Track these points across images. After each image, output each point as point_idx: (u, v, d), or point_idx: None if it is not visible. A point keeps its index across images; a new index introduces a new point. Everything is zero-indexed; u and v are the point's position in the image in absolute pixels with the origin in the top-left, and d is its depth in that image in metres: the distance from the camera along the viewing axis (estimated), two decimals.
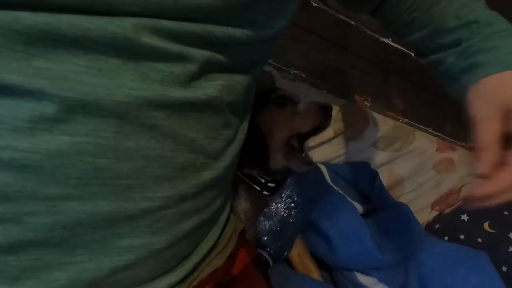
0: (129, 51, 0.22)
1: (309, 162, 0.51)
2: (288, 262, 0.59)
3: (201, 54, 0.25)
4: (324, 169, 0.79)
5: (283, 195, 0.54)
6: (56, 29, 0.20)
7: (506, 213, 0.88)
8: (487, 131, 0.31)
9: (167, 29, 0.23)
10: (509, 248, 0.79)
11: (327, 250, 0.57)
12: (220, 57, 0.27)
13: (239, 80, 0.30)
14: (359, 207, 0.76)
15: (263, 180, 0.53)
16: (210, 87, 0.27)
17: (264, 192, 0.53)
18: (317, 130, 0.52)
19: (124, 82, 0.22)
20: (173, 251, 0.29)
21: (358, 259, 0.54)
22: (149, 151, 0.24)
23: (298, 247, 0.59)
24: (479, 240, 0.83)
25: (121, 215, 0.24)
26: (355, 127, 0.84)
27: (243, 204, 0.51)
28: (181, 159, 0.26)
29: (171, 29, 0.23)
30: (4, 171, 0.20)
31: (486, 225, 0.86)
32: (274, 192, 0.55)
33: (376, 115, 0.88)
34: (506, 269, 0.76)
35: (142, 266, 0.26)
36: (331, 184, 0.74)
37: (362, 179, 0.84)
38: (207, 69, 0.26)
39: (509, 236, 0.82)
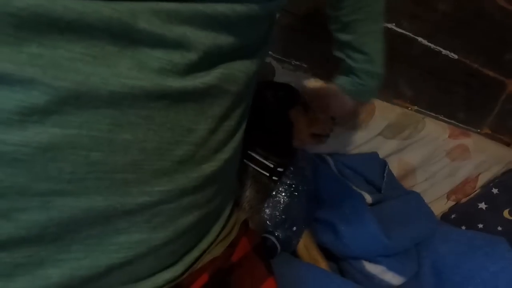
0: (125, 37, 0.21)
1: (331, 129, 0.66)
2: (294, 254, 0.57)
3: (201, 42, 0.24)
4: (330, 161, 0.77)
5: (284, 183, 0.53)
6: (50, 12, 0.19)
7: None
8: None
9: (166, 10, 0.22)
10: None
11: (333, 238, 0.55)
12: (221, 41, 0.26)
13: (240, 67, 0.29)
14: (368, 198, 0.73)
15: (272, 166, 0.52)
16: (209, 75, 0.26)
17: (273, 178, 0.53)
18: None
19: (120, 71, 0.21)
20: (173, 247, 0.28)
21: (365, 245, 0.52)
22: (146, 144, 0.23)
23: (304, 238, 0.58)
24: (499, 228, 0.80)
25: (118, 210, 0.23)
26: (360, 117, 0.82)
27: (247, 192, 0.51)
28: (180, 152, 0.25)
29: (170, 10, 0.22)
30: None
31: (506, 213, 0.82)
32: (281, 177, 0.54)
33: (381, 103, 0.85)
34: None
35: (141, 262, 0.26)
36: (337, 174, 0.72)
37: (371, 169, 0.82)
38: (207, 58, 0.25)
39: None
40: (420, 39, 0.89)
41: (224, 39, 0.26)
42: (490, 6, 0.89)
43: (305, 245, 0.57)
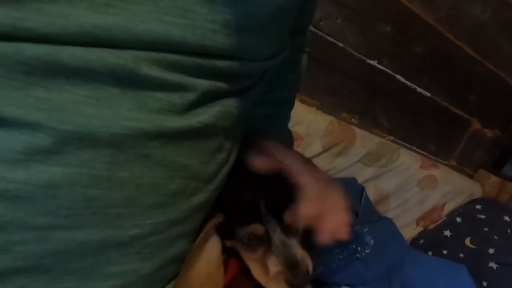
0: (128, 80, 0.22)
1: None
2: None
3: (201, 83, 0.25)
4: None
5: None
6: (57, 59, 0.20)
7: (486, 229, 0.91)
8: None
9: (168, 60, 0.23)
10: (489, 263, 0.82)
11: (315, 264, 0.58)
12: (220, 85, 0.26)
13: (237, 105, 0.30)
14: None
15: None
16: (206, 114, 0.26)
17: None
18: None
19: (121, 112, 0.22)
20: (161, 274, 0.29)
21: (346, 276, 0.56)
22: (142, 180, 0.24)
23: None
24: (461, 255, 0.86)
25: (111, 242, 0.24)
26: (342, 143, 0.87)
27: None
28: (173, 186, 0.26)
29: (172, 60, 0.23)
30: None
31: (467, 241, 0.89)
32: None
33: (362, 132, 0.91)
34: (487, 284, 0.79)
35: None
36: None
37: (350, 193, 0.86)
38: (205, 97, 0.26)
39: (489, 252, 0.85)
40: (398, 76, 0.97)
41: (222, 84, 0.27)
42: (460, 53, 1.00)
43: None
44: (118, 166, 0.23)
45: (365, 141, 0.90)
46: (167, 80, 0.23)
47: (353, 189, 0.86)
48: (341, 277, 0.57)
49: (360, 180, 0.92)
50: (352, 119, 0.97)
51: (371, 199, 0.92)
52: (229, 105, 0.29)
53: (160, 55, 0.22)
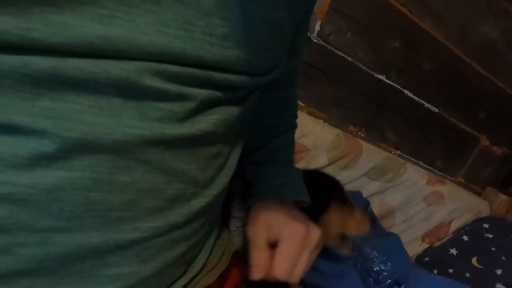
0: (131, 91, 0.22)
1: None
2: None
3: (200, 93, 0.26)
4: None
5: None
6: (63, 72, 0.20)
7: (493, 249, 0.89)
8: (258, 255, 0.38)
9: (170, 72, 0.23)
10: (496, 284, 0.80)
11: (320, 279, 0.58)
12: (217, 94, 0.27)
13: (235, 112, 0.30)
14: None
15: None
16: (206, 122, 0.27)
17: None
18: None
19: (123, 121, 0.22)
20: (161, 277, 0.29)
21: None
22: (142, 184, 0.24)
23: None
24: (467, 275, 0.84)
25: (111, 245, 0.24)
26: (349, 157, 0.87)
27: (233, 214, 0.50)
28: (172, 191, 0.27)
29: (173, 72, 0.23)
30: (2, 204, 0.21)
31: (474, 260, 0.87)
32: None
33: (369, 146, 0.91)
34: None
35: None
36: None
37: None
38: (205, 106, 0.27)
39: (496, 273, 0.83)
40: (406, 91, 0.97)
41: (220, 94, 0.27)
42: (469, 70, 1.00)
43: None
44: (119, 171, 0.23)
45: (372, 155, 0.90)
46: (168, 91, 0.24)
47: (358, 203, 0.85)
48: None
49: (365, 194, 0.91)
50: (359, 133, 0.97)
51: (376, 214, 0.92)
52: (228, 113, 0.29)
53: (162, 67, 0.23)
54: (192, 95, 0.25)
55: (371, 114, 0.97)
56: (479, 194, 1.19)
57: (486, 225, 0.99)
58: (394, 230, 0.97)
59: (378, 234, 0.73)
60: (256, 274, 0.36)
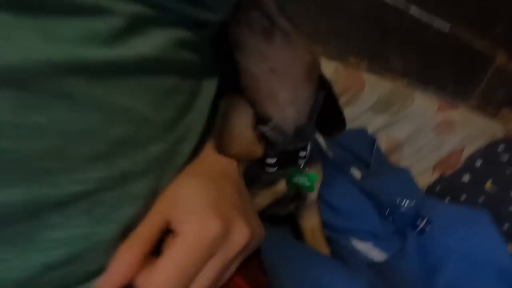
0: (25, 5, 0.18)
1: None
2: (298, 232, 0.57)
3: (125, 8, 0.21)
4: (320, 138, 0.77)
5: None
6: None
7: (508, 173, 0.86)
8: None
9: None
10: (509, 207, 0.78)
11: (329, 212, 0.55)
12: (151, 12, 0.22)
13: (186, 38, 0.25)
14: (357, 173, 0.74)
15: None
16: (146, 46, 0.22)
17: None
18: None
19: (19, 43, 0.18)
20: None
21: (359, 225, 0.54)
22: (68, 126, 0.20)
23: (313, 223, 0.55)
24: (480, 200, 0.82)
25: (44, 203, 0.20)
26: (350, 92, 0.80)
27: None
28: (115, 133, 0.22)
29: None
30: None
31: (488, 184, 0.84)
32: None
33: (372, 77, 0.84)
34: (507, 227, 0.76)
35: (88, 259, 0.23)
36: (328, 151, 0.72)
37: (360, 145, 0.82)
38: (139, 24, 0.22)
39: (511, 195, 0.80)
40: (412, 11, 0.86)
41: (153, 12, 0.22)
42: None
43: (313, 229, 0.55)
44: (28, 110, 0.19)
45: (376, 87, 0.83)
46: (79, 2, 0.19)
47: (363, 141, 0.81)
48: (353, 225, 0.55)
49: (370, 130, 0.86)
50: (361, 64, 0.89)
51: (383, 149, 0.88)
52: (176, 38, 0.24)
53: None
54: (115, 10, 0.20)
55: (373, 42, 0.88)
56: (493, 116, 1.13)
57: (501, 147, 0.94)
58: (402, 163, 0.93)
59: (385, 170, 0.70)
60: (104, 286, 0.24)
